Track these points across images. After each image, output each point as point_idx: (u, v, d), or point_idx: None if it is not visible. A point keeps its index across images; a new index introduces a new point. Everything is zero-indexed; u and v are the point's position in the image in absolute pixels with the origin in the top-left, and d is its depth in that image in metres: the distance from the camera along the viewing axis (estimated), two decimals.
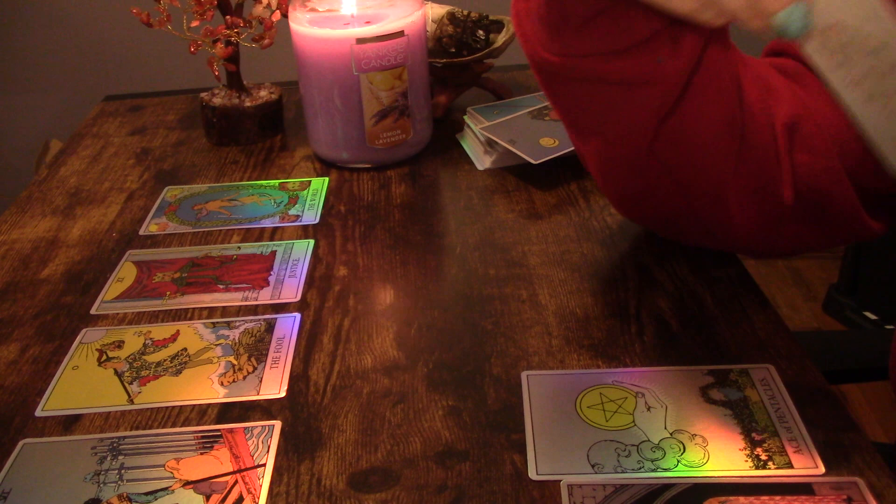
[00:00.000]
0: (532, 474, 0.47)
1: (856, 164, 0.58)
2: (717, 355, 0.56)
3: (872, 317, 1.80)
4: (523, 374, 0.55)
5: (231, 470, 0.49)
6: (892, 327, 1.78)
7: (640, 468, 0.47)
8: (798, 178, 0.58)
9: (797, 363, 0.55)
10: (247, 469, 0.49)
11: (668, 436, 0.49)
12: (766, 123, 0.57)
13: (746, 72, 0.58)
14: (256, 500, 0.47)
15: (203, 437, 0.52)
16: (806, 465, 0.47)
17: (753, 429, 0.49)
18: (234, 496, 0.48)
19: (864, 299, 1.82)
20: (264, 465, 0.50)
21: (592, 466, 0.47)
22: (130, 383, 0.57)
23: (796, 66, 0.60)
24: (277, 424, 0.53)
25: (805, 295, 1.99)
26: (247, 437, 0.52)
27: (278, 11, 0.87)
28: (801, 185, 0.58)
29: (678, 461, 0.47)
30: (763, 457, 0.47)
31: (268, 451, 0.50)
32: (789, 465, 0.47)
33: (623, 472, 0.47)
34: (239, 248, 0.72)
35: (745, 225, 0.60)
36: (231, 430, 0.52)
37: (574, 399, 0.52)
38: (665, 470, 0.47)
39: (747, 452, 0.48)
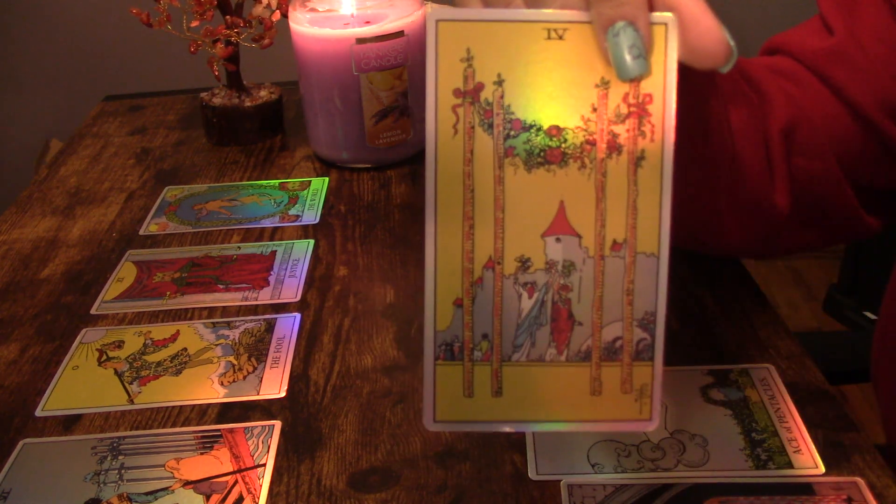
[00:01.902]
0: (532, 474, 0.47)
1: (853, 162, 0.58)
2: (717, 355, 0.56)
3: (872, 317, 1.80)
4: None
5: (231, 470, 0.49)
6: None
7: (640, 468, 0.47)
8: (796, 183, 0.57)
9: (797, 363, 0.55)
10: (247, 469, 0.49)
11: (668, 436, 0.49)
12: (756, 139, 0.56)
13: (730, 93, 0.55)
14: (256, 500, 0.47)
15: (203, 437, 0.52)
16: (806, 465, 0.47)
17: (753, 429, 0.49)
18: (234, 496, 0.48)
19: (864, 299, 1.82)
20: (264, 464, 0.50)
21: (592, 466, 0.47)
22: (130, 383, 0.57)
23: (791, 65, 0.60)
24: (277, 424, 0.53)
25: (805, 295, 1.99)
26: (247, 437, 0.52)
27: (278, 11, 0.87)
28: (799, 190, 0.57)
29: (678, 461, 0.47)
30: (763, 456, 0.47)
31: (268, 451, 0.50)
32: (789, 465, 0.47)
33: (623, 472, 0.47)
34: (239, 248, 0.72)
35: (740, 238, 0.59)
36: (231, 430, 0.52)
37: None
38: (665, 470, 0.47)
39: (747, 452, 0.48)
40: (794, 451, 0.47)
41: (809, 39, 0.60)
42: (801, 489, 0.45)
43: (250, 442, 0.51)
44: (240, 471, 0.49)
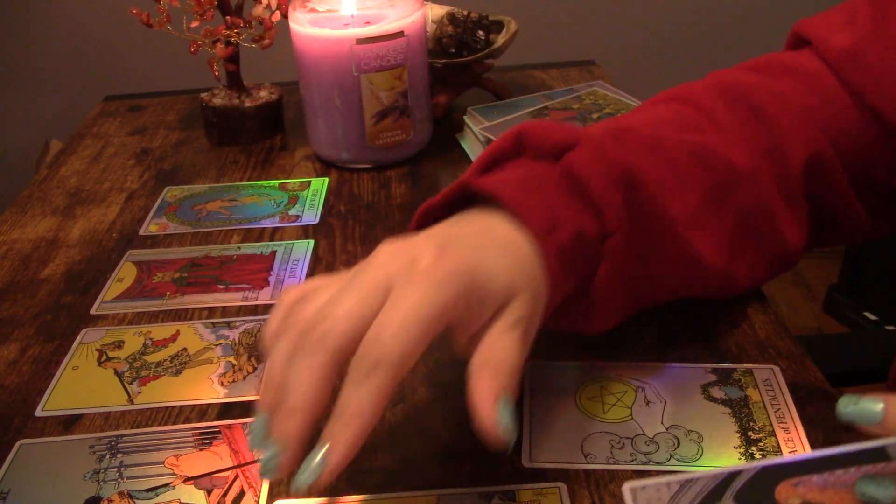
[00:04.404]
0: (525, 461, 0.48)
1: (868, 167, 0.59)
2: (717, 355, 0.56)
3: (872, 317, 1.80)
4: (525, 371, 0.55)
5: (231, 465, 0.49)
6: (892, 328, 1.79)
7: (632, 460, 0.47)
8: (812, 212, 0.58)
9: (797, 363, 0.55)
10: (247, 464, 0.49)
11: (664, 430, 0.49)
12: (769, 191, 0.56)
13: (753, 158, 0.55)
14: (257, 494, 0.47)
15: (201, 434, 0.52)
16: None
17: (750, 427, 0.49)
18: (235, 491, 0.48)
19: (864, 299, 1.82)
20: None
21: (585, 457, 0.48)
22: (130, 383, 0.57)
23: (815, 66, 0.60)
24: None
25: (805, 295, 1.99)
26: (245, 432, 0.52)
27: (278, 12, 0.88)
28: (814, 218, 0.58)
29: (671, 455, 0.47)
30: (758, 455, 0.47)
31: None
32: None
33: (615, 463, 0.47)
34: (239, 248, 0.72)
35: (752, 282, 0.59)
36: (229, 426, 0.52)
37: (574, 391, 0.53)
38: (657, 464, 0.47)
39: (741, 451, 0.48)
40: (790, 452, 0.47)
41: (834, 34, 0.59)
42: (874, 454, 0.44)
43: (249, 437, 0.51)
44: (239, 465, 0.49)
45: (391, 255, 0.41)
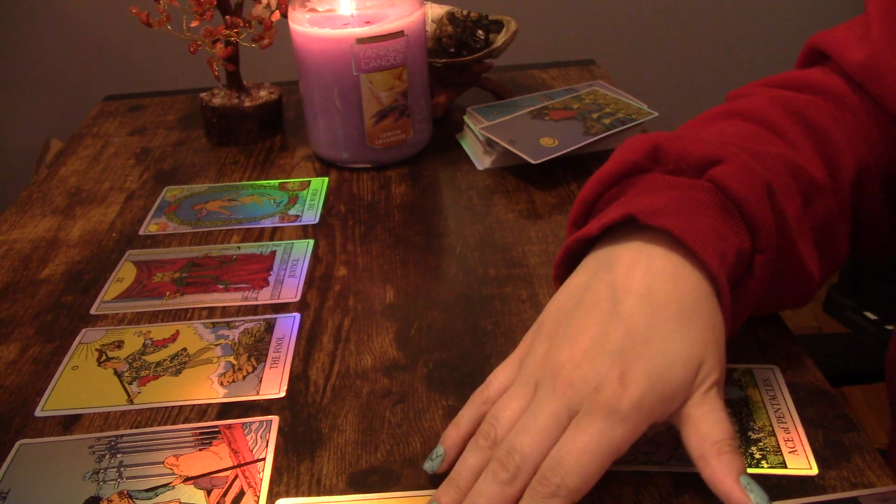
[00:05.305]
0: None
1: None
2: None
3: (872, 317, 1.80)
4: None
5: (231, 465, 0.49)
6: (892, 327, 1.79)
7: (631, 460, 0.47)
8: (854, 221, 0.58)
9: (797, 363, 0.55)
10: (246, 463, 0.49)
11: (664, 430, 0.49)
12: (834, 201, 0.56)
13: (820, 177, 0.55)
14: (257, 493, 0.47)
15: (201, 434, 0.52)
16: (800, 466, 0.47)
17: (750, 427, 0.49)
18: (235, 490, 0.48)
19: (865, 299, 1.82)
20: (263, 459, 0.50)
21: None
22: (130, 383, 0.57)
23: (839, 85, 0.60)
24: (275, 419, 0.53)
25: None
26: (245, 432, 0.52)
27: (278, 11, 0.88)
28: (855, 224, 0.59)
29: (671, 455, 0.47)
30: (757, 455, 0.47)
31: (266, 446, 0.51)
32: (783, 465, 0.47)
33: (615, 463, 0.47)
34: (239, 248, 0.72)
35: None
36: (229, 427, 0.52)
37: None
38: (657, 464, 0.47)
39: (741, 451, 0.48)
40: (790, 452, 0.47)
41: (851, 48, 0.60)
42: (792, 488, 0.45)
43: (248, 437, 0.51)
44: (239, 465, 0.49)
45: (574, 372, 0.43)
